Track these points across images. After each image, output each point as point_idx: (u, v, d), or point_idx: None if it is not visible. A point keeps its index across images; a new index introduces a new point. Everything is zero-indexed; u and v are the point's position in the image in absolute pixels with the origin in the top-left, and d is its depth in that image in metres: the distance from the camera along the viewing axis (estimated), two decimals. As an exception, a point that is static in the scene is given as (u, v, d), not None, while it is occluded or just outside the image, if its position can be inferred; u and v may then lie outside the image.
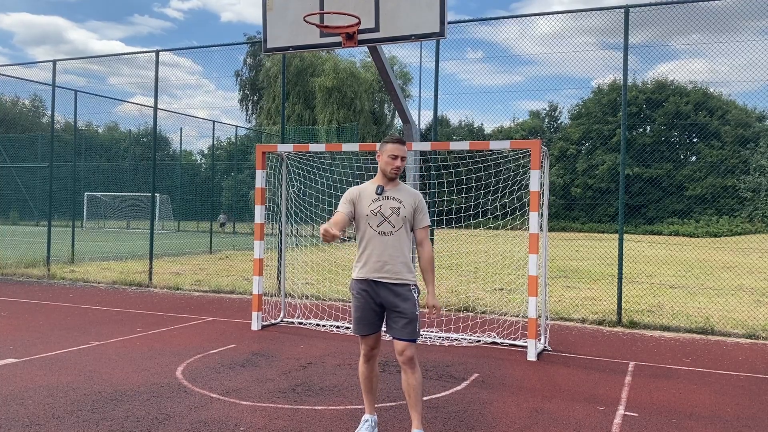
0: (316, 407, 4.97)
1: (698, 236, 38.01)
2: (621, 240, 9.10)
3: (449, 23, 6.68)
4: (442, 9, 6.48)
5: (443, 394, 5.42)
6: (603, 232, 38.45)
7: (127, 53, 16.58)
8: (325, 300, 10.37)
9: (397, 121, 39.77)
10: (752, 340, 8.10)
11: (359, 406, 4.99)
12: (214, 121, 29.05)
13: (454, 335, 7.78)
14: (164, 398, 5.09)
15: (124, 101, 42.82)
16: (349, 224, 4.32)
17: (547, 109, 55.13)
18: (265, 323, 8.34)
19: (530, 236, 6.79)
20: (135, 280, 12.43)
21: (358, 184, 4.54)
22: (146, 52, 13.00)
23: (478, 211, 8.87)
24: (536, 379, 5.99)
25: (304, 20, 6.60)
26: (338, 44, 6.89)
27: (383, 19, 6.68)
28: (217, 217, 33.65)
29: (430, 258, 4.30)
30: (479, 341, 7.58)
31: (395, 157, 4.24)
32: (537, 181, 6.80)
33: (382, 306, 4.22)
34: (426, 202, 4.50)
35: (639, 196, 42.55)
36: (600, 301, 10.79)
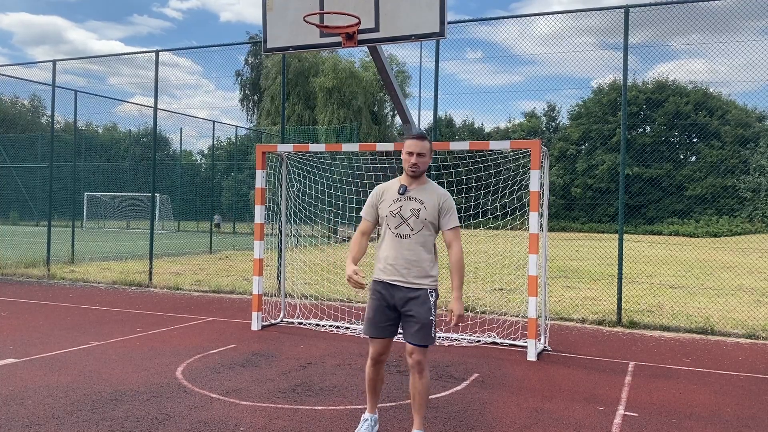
0: (316, 407, 4.97)
1: (698, 236, 38.03)
2: (621, 240, 9.10)
3: (449, 23, 6.67)
4: (442, 9, 6.48)
5: (443, 394, 5.42)
6: (603, 232, 38.46)
7: (126, 53, 16.56)
8: (324, 300, 10.37)
9: (397, 121, 39.75)
10: (752, 340, 8.10)
11: (359, 406, 4.99)
12: (214, 121, 29.07)
13: (454, 335, 7.78)
14: (164, 398, 5.09)
15: (124, 101, 42.84)
16: (375, 226, 4.23)
17: (547, 108, 55.18)
18: (265, 323, 8.34)
19: (530, 236, 6.79)
20: (135, 280, 12.43)
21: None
22: (146, 52, 13.01)
23: (478, 211, 8.87)
24: (536, 379, 5.99)
25: (304, 20, 6.60)
26: (338, 44, 6.89)
27: (383, 19, 6.68)
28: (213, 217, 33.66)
29: (456, 262, 4.08)
30: (479, 341, 7.58)
31: (411, 154, 4.08)
32: (537, 181, 6.80)
33: (396, 310, 4.09)
34: None
35: (639, 196, 42.57)
36: (600, 301, 10.79)
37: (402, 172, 4.26)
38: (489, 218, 9.54)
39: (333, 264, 12.52)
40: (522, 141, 7.10)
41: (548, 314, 8.42)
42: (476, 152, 8.92)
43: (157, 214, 25.63)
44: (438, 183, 9.56)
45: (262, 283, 8.26)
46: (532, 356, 6.77)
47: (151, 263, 12.62)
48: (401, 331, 4.17)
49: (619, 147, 18.53)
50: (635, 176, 41.46)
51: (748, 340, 8.09)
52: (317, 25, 6.71)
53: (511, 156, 8.75)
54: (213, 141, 26.59)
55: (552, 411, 5.01)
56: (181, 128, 29.86)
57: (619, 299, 9.03)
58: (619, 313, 8.98)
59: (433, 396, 5.33)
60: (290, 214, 9.31)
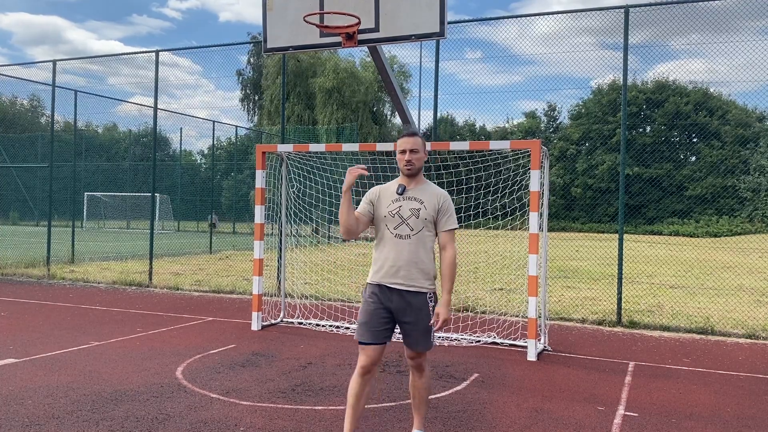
0: (316, 407, 4.97)
1: (698, 236, 38.01)
2: (621, 240, 9.10)
3: (449, 23, 6.67)
4: (442, 9, 6.48)
5: (443, 394, 5.42)
6: (603, 232, 38.41)
7: (126, 53, 16.57)
8: (324, 300, 10.37)
9: (397, 121, 39.76)
10: (752, 340, 8.10)
11: (359, 406, 4.98)
12: (214, 121, 29.10)
13: (454, 335, 7.78)
14: (164, 398, 5.09)
15: (124, 101, 42.91)
16: (367, 225, 4.06)
17: (547, 108, 55.17)
18: (265, 323, 8.34)
19: (530, 236, 6.79)
20: (135, 280, 12.43)
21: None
22: (146, 52, 13.01)
23: (478, 211, 8.87)
24: (536, 379, 5.99)
25: (304, 20, 6.60)
26: (338, 44, 6.89)
27: (383, 19, 6.68)
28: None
29: (448, 263, 3.96)
30: (479, 341, 7.58)
31: (403, 152, 3.97)
32: (537, 181, 6.80)
33: (391, 314, 3.93)
34: None
35: (639, 196, 42.54)
36: (600, 301, 10.79)
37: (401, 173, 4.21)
38: (489, 218, 9.54)
39: (333, 264, 12.52)
40: (522, 141, 7.10)
41: (548, 314, 8.43)
42: (476, 152, 8.92)
43: (157, 214, 25.62)
44: (438, 183, 9.58)
45: (262, 283, 8.26)
46: (532, 356, 6.77)
47: (151, 263, 12.62)
48: (398, 332, 4.11)
49: (619, 147, 18.53)
50: (635, 176, 41.44)
51: (748, 340, 8.09)
52: (317, 25, 6.71)
53: (511, 156, 8.75)
54: (213, 141, 26.63)
55: (552, 411, 5.01)
56: (181, 128, 29.93)
57: (619, 299, 9.03)
58: (619, 313, 8.98)
59: (433, 396, 5.33)
60: (290, 214, 9.31)
